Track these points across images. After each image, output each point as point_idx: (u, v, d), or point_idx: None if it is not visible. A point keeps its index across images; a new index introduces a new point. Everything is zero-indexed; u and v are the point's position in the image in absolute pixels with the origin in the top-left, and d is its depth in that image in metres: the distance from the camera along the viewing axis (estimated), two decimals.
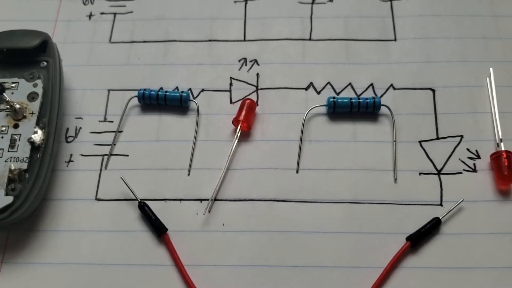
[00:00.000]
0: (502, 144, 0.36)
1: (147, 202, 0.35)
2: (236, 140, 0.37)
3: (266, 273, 0.33)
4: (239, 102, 0.39)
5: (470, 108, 0.39)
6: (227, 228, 0.35)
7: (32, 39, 0.36)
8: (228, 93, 0.40)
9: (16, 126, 0.35)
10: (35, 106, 0.35)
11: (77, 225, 0.35)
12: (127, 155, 0.37)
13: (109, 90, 0.40)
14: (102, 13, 0.43)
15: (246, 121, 0.37)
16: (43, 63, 0.37)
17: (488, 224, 0.34)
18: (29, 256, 0.34)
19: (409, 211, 0.35)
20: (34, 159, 0.34)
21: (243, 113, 0.37)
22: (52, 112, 0.35)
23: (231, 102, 0.39)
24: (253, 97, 0.39)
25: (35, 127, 0.34)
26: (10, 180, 0.33)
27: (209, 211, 0.35)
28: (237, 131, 0.37)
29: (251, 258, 0.34)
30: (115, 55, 0.41)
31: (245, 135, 0.38)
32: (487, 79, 0.39)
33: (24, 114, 0.35)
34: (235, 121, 0.37)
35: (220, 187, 0.36)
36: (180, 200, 0.36)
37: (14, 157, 0.34)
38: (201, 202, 0.36)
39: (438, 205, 0.35)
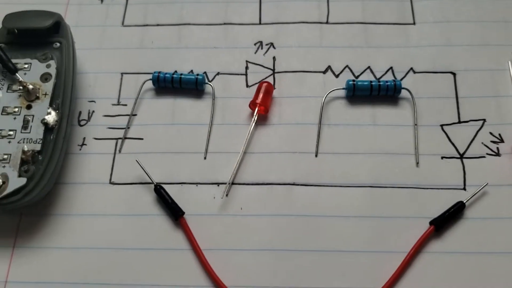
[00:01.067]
0: None
1: (163, 185, 0.34)
2: (254, 123, 0.36)
3: (285, 258, 0.32)
4: (256, 86, 0.38)
5: (492, 92, 0.38)
6: (245, 212, 0.34)
7: (45, 19, 0.35)
8: (244, 76, 0.39)
9: (29, 107, 0.34)
10: (48, 87, 0.34)
11: (91, 209, 0.34)
12: (142, 139, 0.36)
13: (122, 74, 0.39)
14: None
15: (263, 104, 0.36)
16: (56, 44, 0.36)
17: None
18: (42, 240, 0.33)
19: (432, 195, 0.34)
20: (47, 141, 0.33)
21: (260, 96, 0.37)
22: (65, 93, 0.34)
23: (247, 86, 0.38)
24: (270, 80, 0.38)
25: (48, 108, 0.33)
26: (23, 162, 0.32)
27: (227, 195, 0.34)
28: (255, 114, 0.36)
29: (270, 243, 0.33)
30: (128, 39, 0.40)
31: (262, 119, 0.37)
32: (509, 62, 0.38)
33: (37, 95, 0.34)
34: (252, 104, 0.37)
35: (238, 170, 0.35)
36: (196, 184, 0.35)
37: (27, 139, 0.33)
38: (218, 186, 0.35)
39: (461, 189, 0.34)
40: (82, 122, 0.37)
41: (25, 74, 0.35)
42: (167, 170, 0.35)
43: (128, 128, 0.37)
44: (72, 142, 0.36)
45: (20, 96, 0.34)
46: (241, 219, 0.34)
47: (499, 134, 0.36)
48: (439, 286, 0.32)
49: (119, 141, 0.36)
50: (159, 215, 0.34)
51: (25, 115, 0.33)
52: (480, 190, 0.34)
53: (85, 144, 0.36)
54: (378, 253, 0.33)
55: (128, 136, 0.37)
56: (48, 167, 0.32)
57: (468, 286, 0.31)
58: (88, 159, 0.36)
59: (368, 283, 0.32)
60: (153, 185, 0.34)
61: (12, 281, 0.32)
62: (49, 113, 0.33)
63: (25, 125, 0.33)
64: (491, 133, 0.36)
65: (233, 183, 0.35)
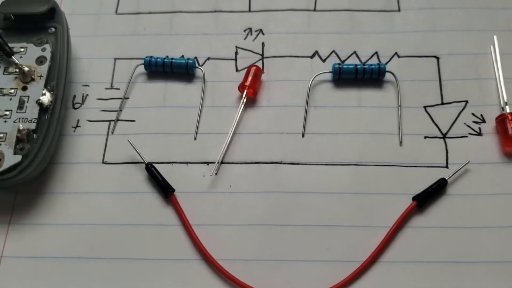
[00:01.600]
0: (507, 107, 0.37)
1: (154, 165, 0.35)
2: (243, 105, 0.37)
3: (272, 232, 0.33)
4: (245, 70, 0.39)
5: (474, 75, 0.39)
6: (233, 189, 0.35)
7: (40, 5, 0.37)
8: (234, 61, 0.40)
9: (24, 89, 0.35)
10: (43, 69, 0.35)
11: (84, 187, 0.35)
12: (134, 121, 0.38)
13: (115, 59, 0.40)
14: None
15: (252, 87, 0.38)
16: (51, 29, 0.37)
17: (494, 185, 0.35)
18: (36, 217, 0.34)
19: (415, 173, 0.35)
20: (42, 120, 0.34)
21: (249, 79, 0.38)
22: (60, 75, 0.35)
23: (236, 70, 0.40)
24: (259, 65, 0.40)
25: (43, 89, 0.35)
26: (18, 140, 0.33)
27: (216, 173, 0.35)
28: (243, 96, 0.37)
29: (257, 218, 0.34)
30: (121, 26, 0.42)
31: (251, 102, 0.38)
32: (491, 46, 0.40)
33: (33, 76, 0.35)
34: (241, 87, 0.38)
35: (227, 150, 0.36)
36: (187, 163, 0.36)
37: (23, 118, 0.34)
38: (207, 165, 0.36)
39: (444, 167, 0.35)
40: (77, 105, 0.38)
41: (21, 57, 0.36)
42: (158, 150, 0.36)
43: (121, 110, 0.38)
44: (67, 124, 0.38)
45: (16, 78, 0.35)
46: (230, 196, 0.35)
47: (481, 115, 0.37)
48: (421, 259, 0.33)
49: (112, 123, 0.37)
50: (150, 193, 0.35)
51: (20, 96, 0.35)
52: (462, 167, 0.35)
53: (79, 126, 0.38)
54: (362, 228, 0.34)
55: (121, 118, 0.38)
56: (42, 145, 0.33)
57: (449, 259, 0.32)
58: (82, 140, 0.37)
59: (352, 256, 0.33)
60: (144, 164, 0.35)
61: (7, 256, 0.33)
62: (44, 94, 0.35)
63: (21, 105, 0.34)
64: (473, 114, 0.37)
65: (222, 162, 0.36)
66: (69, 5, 0.42)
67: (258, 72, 0.38)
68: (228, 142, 0.36)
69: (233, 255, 0.33)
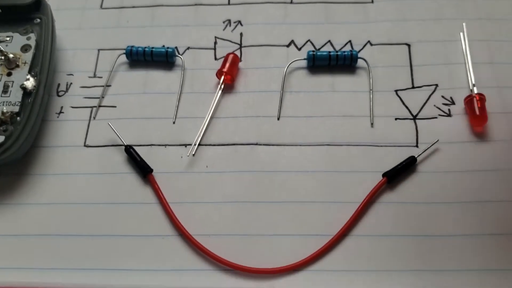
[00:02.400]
0: (475, 88, 0.38)
1: (133, 147, 0.37)
2: (220, 91, 0.39)
3: (246, 209, 0.35)
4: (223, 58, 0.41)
5: (444, 60, 0.40)
6: (210, 169, 0.36)
7: None
8: (213, 50, 0.42)
9: (9, 74, 0.36)
10: (28, 56, 0.37)
11: (66, 169, 0.37)
12: (115, 107, 0.39)
13: (99, 50, 0.42)
14: None
15: (229, 73, 0.39)
16: (36, 20, 0.39)
17: (462, 163, 0.36)
18: (20, 197, 0.36)
19: (386, 152, 0.36)
20: (25, 103, 0.35)
21: (227, 65, 0.39)
22: (44, 62, 0.37)
23: (215, 59, 0.41)
24: (237, 54, 0.41)
25: (27, 75, 0.36)
26: (2, 122, 0.35)
27: (194, 155, 0.37)
28: (221, 81, 0.39)
29: (233, 196, 0.35)
30: (105, 19, 0.43)
31: (229, 88, 0.40)
32: (461, 33, 0.41)
33: (17, 63, 0.37)
34: (219, 73, 0.39)
35: (205, 133, 0.37)
36: (165, 145, 0.37)
37: (7, 102, 0.35)
38: (185, 147, 0.37)
39: (414, 146, 0.37)
40: (61, 93, 0.40)
41: (6, 45, 0.37)
42: (137, 134, 0.38)
43: (103, 97, 0.39)
44: (51, 110, 0.39)
45: (1, 65, 0.37)
46: (206, 176, 0.36)
47: (451, 97, 0.39)
48: (390, 233, 0.33)
49: (94, 109, 0.39)
50: (129, 173, 0.36)
51: (5, 81, 0.36)
52: (431, 146, 0.36)
53: (63, 112, 0.39)
54: (333, 203, 0.35)
55: (102, 104, 0.39)
56: (25, 127, 0.35)
57: (417, 233, 0.33)
58: (65, 125, 0.38)
59: (324, 230, 0.34)
60: (123, 146, 0.37)
61: None
62: (27, 79, 0.36)
63: (5, 90, 0.36)
64: (443, 97, 0.39)
65: (200, 144, 0.37)
66: (55, 1, 0.44)
67: (236, 59, 0.40)
68: (205, 125, 0.37)
69: (208, 231, 0.34)
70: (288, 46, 0.42)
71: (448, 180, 0.35)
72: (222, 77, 0.39)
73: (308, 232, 0.34)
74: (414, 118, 0.38)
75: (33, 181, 0.36)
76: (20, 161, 0.37)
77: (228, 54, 0.40)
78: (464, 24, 0.41)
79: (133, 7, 0.44)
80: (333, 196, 0.35)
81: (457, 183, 0.35)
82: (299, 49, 0.41)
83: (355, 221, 0.34)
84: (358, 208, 0.34)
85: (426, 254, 0.33)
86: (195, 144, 0.37)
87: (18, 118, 0.35)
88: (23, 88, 0.36)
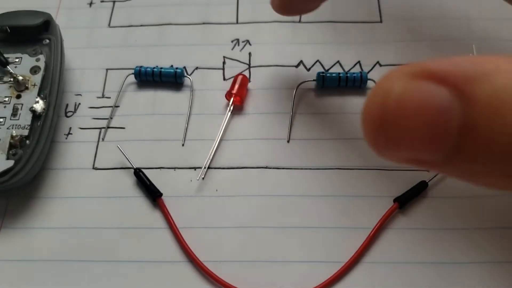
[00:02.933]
0: None
1: (142, 170, 0.37)
2: (229, 112, 0.38)
3: (257, 234, 0.34)
4: (232, 79, 0.40)
5: None
6: (220, 193, 0.36)
7: (35, 18, 0.38)
8: (221, 70, 0.41)
9: (18, 97, 0.36)
10: (37, 78, 0.37)
11: (75, 192, 0.36)
12: (124, 128, 0.39)
13: (107, 69, 0.42)
14: (102, 1, 0.45)
15: (239, 94, 0.39)
16: (45, 41, 0.39)
17: (472, 188, 0.35)
18: (28, 221, 0.35)
19: (396, 177, 0.36)
20: (35, 127, 0.35)
21: (236, 87, 0.39)
22: (53, 84, 0.37)
23: (224, 79, 0.41)
24: (246, 74, 0.41)
25: (36, 97, 0.36)
26: (11, 146, 0.34)
27: (203, 178, 0.36)
28: (230, 103, 0.38)
29: (243, 221, 0.35)
30: (113, 38, 0.43)
31: (238, 109, 0.39)
32: (471, 54, 0.41)
33: (27, 85, 0.36)
34: (228, 95, 0.39)
35: (214, 156, 0.37)
36: (174, 168, 0.37)
37: (16, 125, 0.35)
38: (195, 170, 0.37)
39: (424, 170, 0.36)
40: (69, 114, 0.40)
41: (15, 67, 0.37)
42: (146, 156, 0.38)
43: (111, 118, 0.39)
44: (59, 131, 0.39)
45: (10, 87, 0.36)
46: (216, 200, 0.36)
47: None
48: (402, 259, 0.33)
49: (103, 130, 0.39)
50: (138, 197, 0.36)
51: (14, 104, 0.36)
52: None
53: (71, 134, 0.39)
54: (345, 229, 0.34)
55: (111, 125, 0.39)
56: (34, 151, 0.34)
57: (430, 260, 0.33)
58: (73, 147, 0.38)
59: (335, 257, 0.33)
60: (132, 169, 0.36)
61: None
62: (37, 102, 0.36)
63: (15, 112, 0.36)
64: None
65: (209, 167, 0.37)
66: (64, 20, 0.44)
67: (245, 80, 0.40)
68: (215, 148, 0.37)
69: (218, 257, 0.34)
70: (297, 66, 0.41)
71: (460, 205, 0.35)
72: (232, 99, 0.38)
73: (319, 259, 0.33)
74: None
75: (41, 204, 0.36)
76: (29, 184, 0.36)
77: (237, 75, 0.40)
78: (474, 45, 0.41)
79: (141, 25, 0.44)
80: (344, 222, 0.35)
81: (467, 208, 0.35)
82: (308, 69, 0.41)
83: (367, 247, 0.34)
84: (369, 234, 0.34)
85: (439, 282, 0.32)
86: (204, 168, 0.37)
87: (27, 141, 0.35)
88: (33, 111, 0.35)
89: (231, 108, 0.38)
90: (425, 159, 0.17)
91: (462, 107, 0.15)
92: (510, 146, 0.15)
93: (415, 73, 0.16)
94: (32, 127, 0.35)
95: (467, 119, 0.15)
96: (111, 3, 0.45)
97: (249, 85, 0.40)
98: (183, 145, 0.38)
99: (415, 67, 0.16)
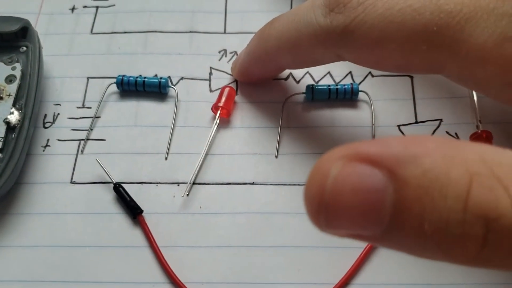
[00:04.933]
0: (481, 125, 0.37)
1: (123, 185, 0.35)
2: (216, 126, 0.37)
3: (242, 254, 0.33)
4: (219, 92, 0.39)
5: (448, 94, 0.39)
6: (204, 210, 0.34)
7: (12, 24, 0.37)
8: (208, 82, 0.40)
9: None
10: (12, 88, 0.35)
11: (52, 208, 0.34)
12: (104, 140, 0.37)
13: (88, 78, 0.40)
14: (84, 7, 0.43)
15: (225, 107, 0.37)
16: (22, 48, 0.37)
17: None
18: (1, 239, 0.33)
19: None
20: (9, 139, 0.33)
21: (223, 99, 0.37)
22: (29, 94, 0.35)
23: (210, 91, 0.39)
24: (233, 86, 0.39)
25: (11, 108, 0.34)
26: None
27: (188, 195, 0.35)
28: (217, 116, 0.37)
29: (227, 240, 0.33)
30: (95, 45, 0.41)
31: (224, 123, 0.38)
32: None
33: (1, 95, 0.35)
34: (215, 108, 0.37)
35: (199, 171, 0.36)
36: (157, 183, 0.35)
37: None
38: (178, 185, 0.35)
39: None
40: (47, 125, 0.38)
41: None
42: (127, 170, 0.36)
43: (91, 129, 0.37)
44: (36, 143, 0.37)
45: None
46: (200, 217, 0.34)
47: (456, 133, 0.37)
48: (394, 281, 0.32)
49: (82, 142, 0.37)
50: (118, 213, 0.34)
51: None
52: None
53: (49, 146, 0.37)
54: (334, 249, 0.33)
55: (91, 137, 0.37)
56: (8, 165, 0.33)
57: (424, 281, 0.32)
58: (50, 159, 0.36)
59: (324, 278, 0.32)
60: (112, 184, 0.35)
61: None
62: (11, 113, 0.34)
63: None
64: (447, 132, 0.37)
65: (194, 183, 0.35)
66: (44, 25, 0.42)
67: (232, 93, 0.38)
68: (200, 163, 0.36)
69: (201, 278, 0.32)
70: (286, 79, 0.40)
71: None
72: (218, 112, 0.37)
73: (307, 280, 0.32)
74: None
75: (16, 221, 0.34)
76: (2, 199, 0.35)
77: (224, 87, 0.38)
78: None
79: (125, 32, 0.42)
80: (333, 241, 0.33)
81: None
82: (298, 82, 0.40)
83: (358, 268, 0.32)
84: (360, 254, 0.32)
85: None
86: (189, 183, 0.35)
87: (0, 154, 0.33)
88: (7, 123, 0.34)
89: (218, 121, 0.37)
90: (364, 235, 0.18)
91: (394, 188, 0.17)
92: (440, 223, 0.16)
93: (350, 156, 0.18)
94: (6, 139, 0.33)
95: (399, 198, 0.17)
96: (94, 9, 0.43)
97: (236, 98, 0.39)
98: (166, 159, 0.36)
99: (350, 150, 0.18)
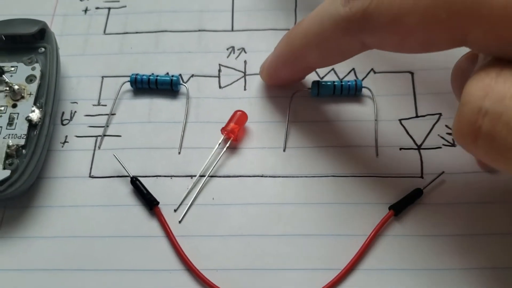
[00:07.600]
0: None
1: (138, 178, 0.37)
2: (225, 149, 0.38)
3: (253, 242, 0.35)
4: (228, 89, 0.41)
5: (447, 89, 0.40)
6: (216, 202, 0.36)
7: (31, 26, 0.38)
8: (217, 78, 0.42)
9: (14, 106, 0.36)
10: (33, 87, 0.37)
11: (71, 201, 0.36)
12: (120, 136, 0.39)
13: (102, 77, 0.42)
14: (97, 8, 0.45)
15: (235, 134, 0.38)
16: (41, 49, 0.39)
17: (467, 194, 0.36)
18: (24, 230, 0.35)
19: (391, 183, 0.37)
20: (31, 136, 0.35)
21: (232, 125, 0.38)
22: (49, 93, 0.37)
23: (220, 87, 0.41)
24: (241, 82, 0.41)
25: (32, 107, 0.36)
26: (8, 156, 0.34)
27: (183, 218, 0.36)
28: (227, 143, 0.38)
29: (240, 229, 0.35)
30: (109, 45, 0.43)
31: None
32: None
33: (23, 94, 0.36)
34: (226, 133, 0.38)
35: (211, 165, 0.37)
36: (171, 176, 0.37)
37: (12, 134, 0.35)
38: (191, 178, 0.37)
39: (419, 177, 0.37)
40: (65, 122, 0.40)
41: (11, 76, 0.37)
42: (143, 164, 0.38)
43: (107, 126, 0.39)
44: (55, 140, 0.39)
45: (6, 96, 0.36)
46: (212, 208, 0.36)
47: None
48: (398, 266, 0.34)
49: (99, 138, 0.39)
50: (135, 205, 0.36)
51: (10, 113, 0.36)
52: (436, 178, 0.36)
53: (67, 142, 0.39)
54: (340, 236, 0.35)
55: (107, 133, 0.39)
56: (31, 160, 0.34)
57: (424, 266, 0.34)
58: (69, 155, 0.38)
59: (331, 264, 0.34)
60: (129, 177, 0.37)
61: None
62: (33, 111, 0.36)
63: (11, 122, 0.36)
64: (447, 126, 0.39)
65: (207, 176, 0.37)
66: (59, 27, 0.44)
67: (243, 118, 0.38)
68: (211, 157, 0.37)
69: (215, 265, 0.34)
70: None
71: (453, 212, 0.35)
72: (230, 140, 0.37)
73: (315, 266, 0.34)
74: (419, 148, 0.38)
75: (37, 214, 0.36)
76: (25, 193, 0.36)
77: (235, 112, 0.38)
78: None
79: (137, 32, 0.44)
80: (340, 229, 0.35)
81: (463, 215, 0.35)
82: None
83: (363, 255, 0.34)
84: (365, 241, 0.34)
85: None
86: (201, 176, 0.37)
87: (23, 151, 0.35)
88: (29, 121, 0.35)
89: (228, 145, 0.38)
90: None
91: None
92: None
93: None
94: (28, 136, 0.35)
95: None
96: (106, 10, 0.45)
97: (245, 93, 0.41)
98: (179, 153, 0.38)
99: None
